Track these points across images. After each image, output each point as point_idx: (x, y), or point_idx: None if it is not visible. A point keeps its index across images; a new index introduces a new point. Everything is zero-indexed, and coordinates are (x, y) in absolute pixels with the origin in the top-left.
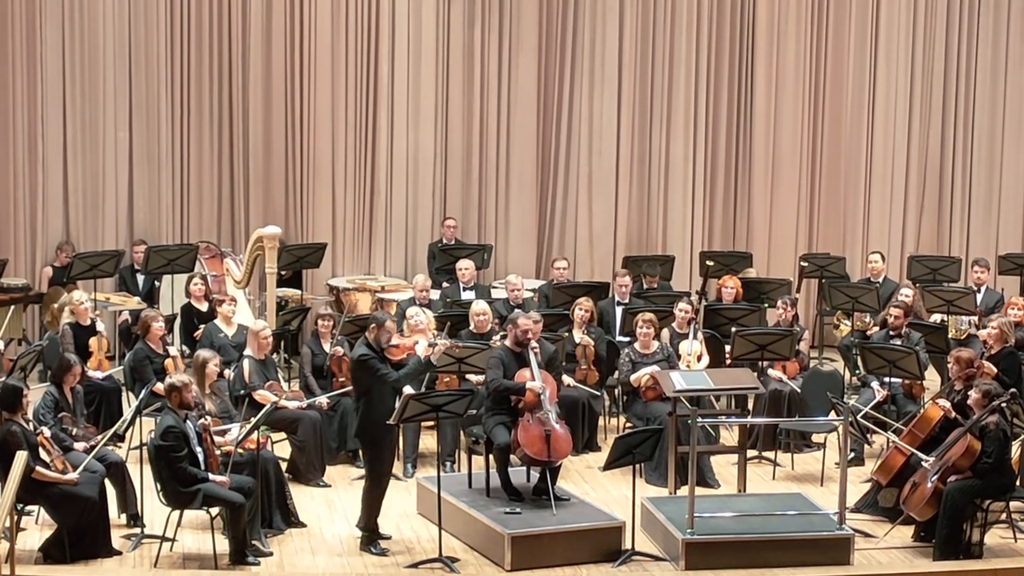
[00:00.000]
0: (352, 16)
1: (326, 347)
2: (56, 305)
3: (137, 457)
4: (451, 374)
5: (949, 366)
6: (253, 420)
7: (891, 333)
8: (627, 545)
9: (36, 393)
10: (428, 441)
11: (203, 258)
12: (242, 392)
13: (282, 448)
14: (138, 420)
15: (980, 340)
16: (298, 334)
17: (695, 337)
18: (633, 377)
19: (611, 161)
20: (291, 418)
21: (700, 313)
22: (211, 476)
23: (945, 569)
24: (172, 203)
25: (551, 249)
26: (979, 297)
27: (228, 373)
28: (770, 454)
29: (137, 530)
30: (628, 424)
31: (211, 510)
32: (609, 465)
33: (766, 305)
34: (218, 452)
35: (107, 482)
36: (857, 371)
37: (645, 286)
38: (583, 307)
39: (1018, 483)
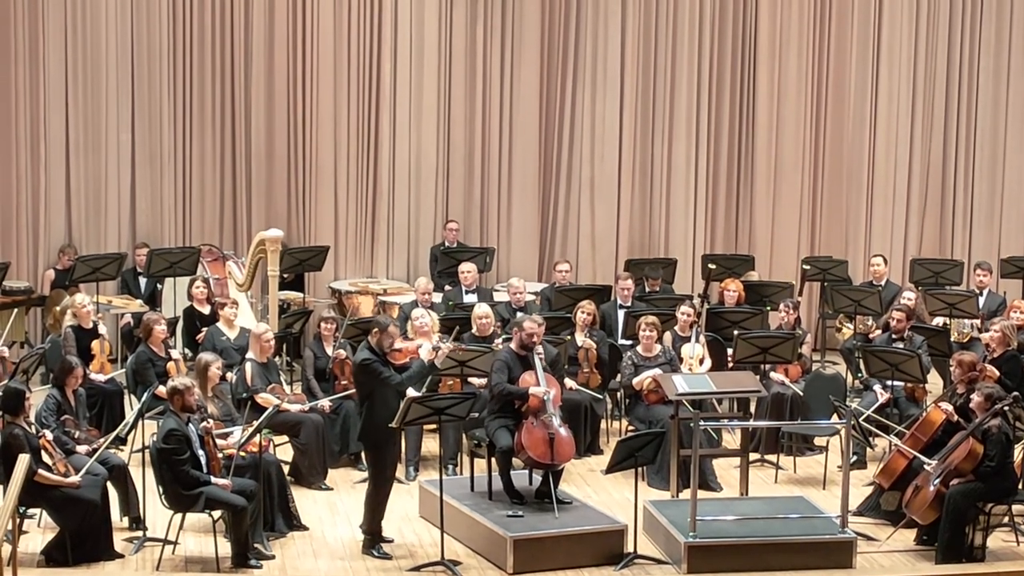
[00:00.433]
0: (354, 19)
1: (329, 350)
2: (58, 308)
3: (139, 460)
4: (454, 377)
5: (951, 369)
6: (255, 423)
7: (893, 336)
8: (629, 548)
9: (38, 396)
10: (430, 444)
11: (205, 261)
12: (244, 395)
13: (284, 451)
14: (140, 423)
15: (982, 343)
16: (300, 337)
17: (697, 340)
18: (635, 380)
19: (613, 164)
20: (293, 421)
21: (702, 316)
22: (213, 479)
23: (947, 573)
24: (174, 206)
25: (553, 252)
26: (981, 300)
27: (230, 376)
28: (772, 457)
29: (139, 533)
30: (630, 427)
31: (213, 513)
32: (611, 468)
33: (768, 308)
34: (220, 455)
35: (109, 485)
36: (859, 374)
37: (647, 289)
38: (585, 310)
39: (1020, 486)
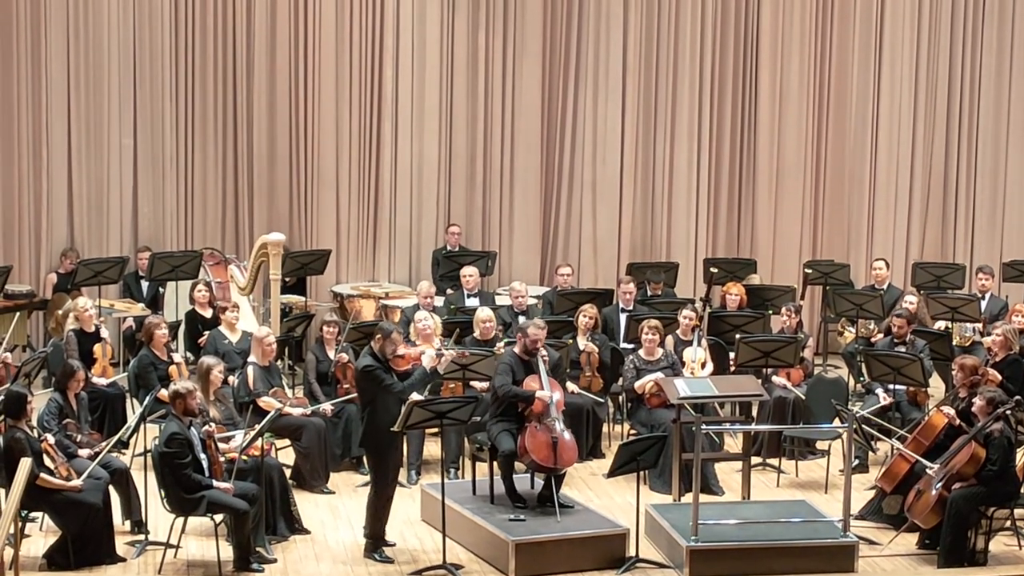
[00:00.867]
0: (356, 22)
1: (331, 354)
2: (60, 311)
3: (141, 464)
4: (456, 381)
5: (953, 373)
6: (257, 427)
7: (895, 340)
8: (631, 552)
9: (40, 400)
10: (432, 448)
11: (207, 264)
12: (246, 399)
13: (286, 455)
14: (142, 427)
15: (984, 347)
16: (302, 341)
17: (699, 344)
18: (637, 384)
19: (615, 168)
20: (295, 425)
21: (704, 320)
22: (215, 483)
23: None
24: (176, 209)
25: (555, 256)
26: (983, 304)
27: (232, 380)
28: (774, 461)
29: (141, 537)
30: (632, 431)
31: (215, 517)
32: (613, 472)
33: (770, 312)
34: (222, 459)
35: (111, 489)
36: (861, 378)
37: (649, 293)
38: (587, 314)
39: (1023, 490)
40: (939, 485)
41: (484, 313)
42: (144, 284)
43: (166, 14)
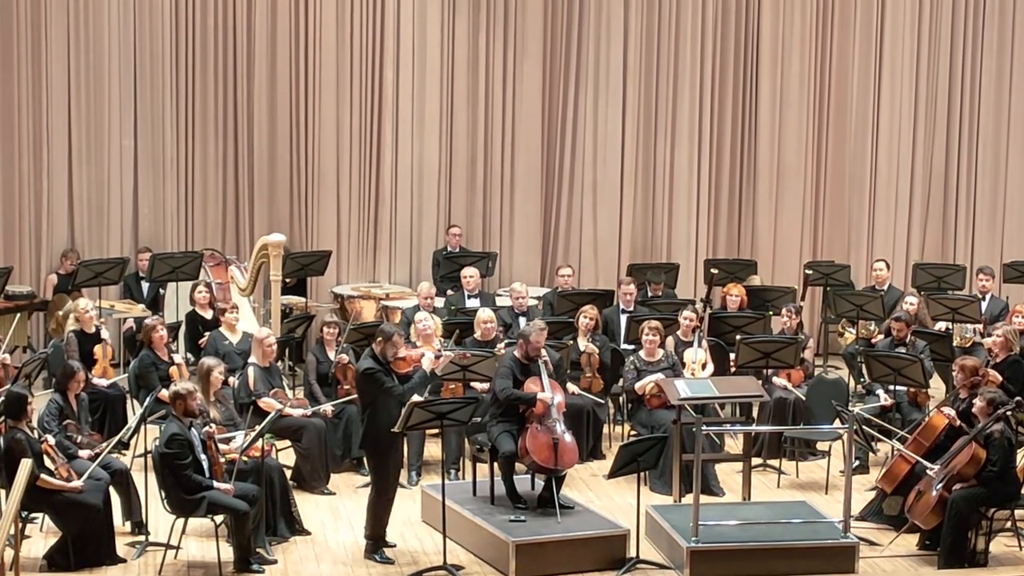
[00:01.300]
0: (357, 25)
1: (331, 354)
2: (61, 312)
3: (142, 464)
4: (456, 382)
5: (954, 374)
6: (258, 428)
7: (895, 341)
8: (631, 553)
9: (41, 401)
10: (432, 449)
11: (208, 266)
12: (246, 400)
13: (287, 456)
14: (143, 427)
15: (985, 348)
16: (302, 342)
17: (700, 345)
18: (638, 385)
19: (616, 169)
20: (295, 426)
21: (705, 321)
22: (215, 484)
23: None
24: (177, 210)
25: (555, 257)
26: (984, 305)
27: (232, 381)
28: (775, 462)
29: (141, 538)
30: (633, 432)
31: (215, 518)
32: (614, 473)
33: (771, 313)
34: (222, 460)
35: (112, 489)
36: (862, 379)
37: (650, 294)
38: (588, 315)
39: (1023, 491)
40: (939, 486)
41: (485, 314)
42: (144, 285)
43: (166, 15)
